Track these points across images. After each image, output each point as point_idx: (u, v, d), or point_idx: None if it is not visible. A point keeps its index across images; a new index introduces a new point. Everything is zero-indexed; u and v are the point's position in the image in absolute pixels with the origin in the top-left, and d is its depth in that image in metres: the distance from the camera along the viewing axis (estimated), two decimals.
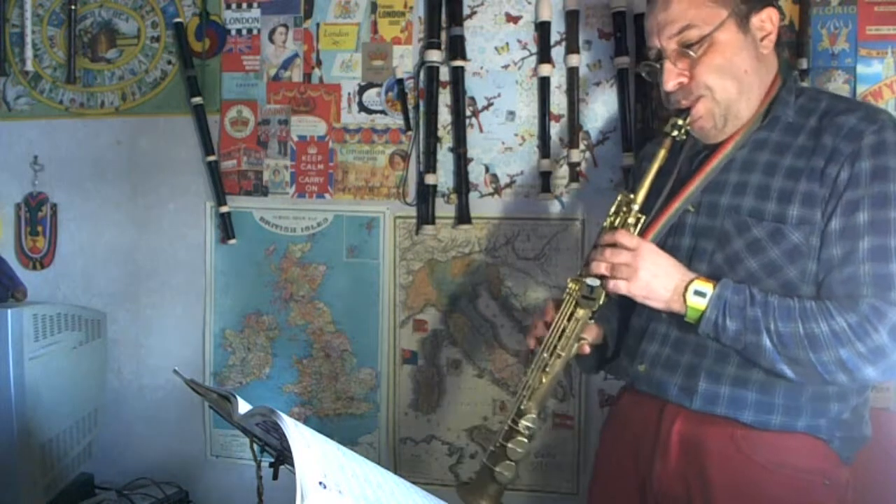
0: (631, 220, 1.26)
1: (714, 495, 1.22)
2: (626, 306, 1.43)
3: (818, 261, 1.18)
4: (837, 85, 1.79)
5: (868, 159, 1.15)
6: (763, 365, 1.18)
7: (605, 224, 1.29)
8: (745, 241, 1.21)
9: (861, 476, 1.44)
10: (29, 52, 2.21)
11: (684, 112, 1.25)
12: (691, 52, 1.21)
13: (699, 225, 1.28)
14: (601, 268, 1.22)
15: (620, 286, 1.21)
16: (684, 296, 1.18)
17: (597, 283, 1.24)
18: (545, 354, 1.28)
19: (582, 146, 1.92)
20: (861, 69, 1.78)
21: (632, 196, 1.27)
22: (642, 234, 1.28)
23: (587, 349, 1.30)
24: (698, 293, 1.18)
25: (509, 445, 1.27)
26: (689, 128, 1.27)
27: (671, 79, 1.24)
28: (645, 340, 1.33)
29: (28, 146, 2.24)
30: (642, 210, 1.27)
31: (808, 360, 1.13)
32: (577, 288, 1.26)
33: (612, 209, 1.29)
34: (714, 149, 1.29)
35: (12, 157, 2.25)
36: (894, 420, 1.73)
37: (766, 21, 1.24)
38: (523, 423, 1.26)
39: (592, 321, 1.30)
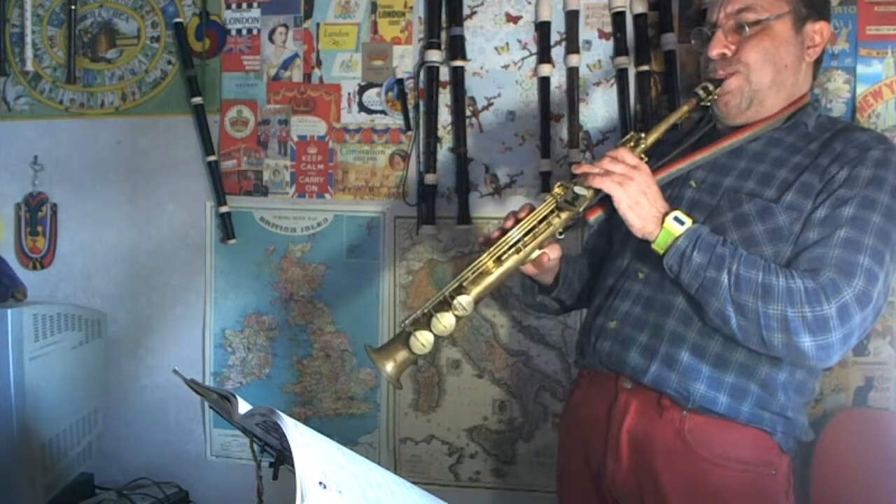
0: (641, 146, 1.28)
1: (665, 490, 1.25)
2: (594, 264, 1.49)
3: (795, 244, 1.21)
4: (837, 85, 1.79)
5: (870, 168, 1.20)
6: (712, 305, 1.19)
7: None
8: (734, 215, 1.25)
9: (861, 476, 1.44)
10: (29, 52, 2.21)
11: (717, 82, 1.29)
12: (745, 29, 1.26)
13: (697, 199, 1.31)
14: (595, 169, 1.22)
15: (609, 186, 1.19)
16: (664, 219, 1.19)
17: (584, 192, 1.23)
18: (505, 246, 1.26)
19: (582, 146, 1.92)
20: (861, 69, 1.78)
21: (643, 135, 1.29)
22: None
23: (545, 259, 1.30)
24: (678, 220, 1.19)
25: (437, 315, 1.20)
26: (716, 97, 1.30)
27: (718, 46, 1.29)
28: (618, 298, 1.35)
29: (28, 146, 2.24)
30: (648, 154, 1.29)
31: (755, 310, 1.14)
32: (561, 193, 1.26)
33: (621, 141, 1.31)
34: (732, 131, 1.33)
35: (12, 157, 2.25)
36: (894, 420, 1.73)
37: (818, 33, 1.30)
38: (458, 299, 1.21)
39: (562, 236, 1.28)
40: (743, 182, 1.28)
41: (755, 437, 1.24)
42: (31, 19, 2.21)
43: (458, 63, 1.96)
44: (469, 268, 1.25)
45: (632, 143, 1.29)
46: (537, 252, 1.27)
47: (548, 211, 1.27)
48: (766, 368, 1.23)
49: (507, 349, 2.00)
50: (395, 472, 1.37)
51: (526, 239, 1.26)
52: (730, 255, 1.17)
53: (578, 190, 1.23)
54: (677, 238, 1.19)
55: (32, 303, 1.92)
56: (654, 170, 1.29)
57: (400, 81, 2.02)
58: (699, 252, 1.18)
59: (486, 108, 1.99)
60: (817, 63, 1.35)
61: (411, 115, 2.02)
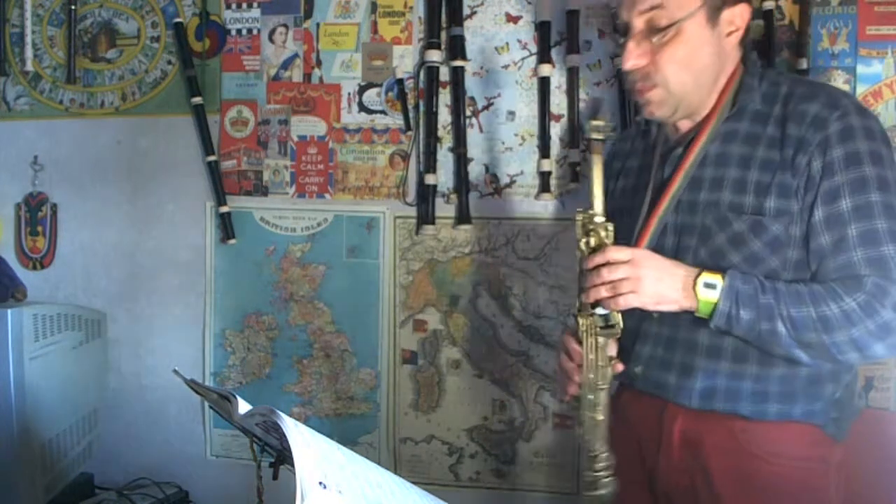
0: (603, 234, 1.23)
1: (716, 487, 1.24)
2: None
3: (808, 251, 1.19)
4: (837, 85, 1.78)
5: (838, 146, 1.16)
6: (777, 352, 1.19)
7: (580, 248, 1.25)
8: (727, 236, 1.22)
9: (861, 475, 1.43)
10: (29, 52, 2.21)
11: (605, 127, 1.24)
12: (655, 40, 1.21)
13: (680, 223, 1.28)
14: (602, 292, 1.19)
15: (630, 300, 1.18)
16: (694, 290, 1.17)
17: (608, 311, 1.22)
18: (590, 395, 1.26)
19: (582, 146, 1.92)
20: (861, 69, 1.78)
21: (591, 212, 1.23)
22: (636, 241, 1.29)
23: (620, 367, 1.29)
24: (708, 285, 1.17)
25: (599, 493, 1.27)
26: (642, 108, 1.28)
27: (630, 58, 1.24)
28: (638, 342, 1.33)
29: (28, 146, 2.24)
30: (607, 216, 1.24)
31: (822, 342, 1.14)
32: (590, 322, 1.25)
33: (579, 231, 1.25)
34: (688, 145, 1.29)
35: (12, 157, 2.25)
36: (894, 420, 1.73)
37: (737, 17, 1.24)
38: (600, 465, 1.26)
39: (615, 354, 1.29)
40: (718, 194, 1.24)
41: (807, 432, 1.23)
42: (31, 19, 2.21)
43: (458, 63, 1.96)
44: (583, 435, 1.28)
45: (590, 226, 1.23)
46: (610, 371, 1.27)
47: (593, 341, 1.25)
48: (808, 367, 1.22)
49: (507, 349, 1.99)
50: (395, 472, 1.37)
51: (599, 375, 1.26)
52: (774, 300, 1.15)
53: (601, 312, 1.23)
54: (717, 304, 1.17)
55: (32, 303, 1.92)
56: (642, 226, 1.29)
57: (400, 81, 2.02)
58: (744, 309, 1.16)
59: (486, 108, 1.99)
60: (744, 41, 1.28)
61: (411, 115, 2.02)
